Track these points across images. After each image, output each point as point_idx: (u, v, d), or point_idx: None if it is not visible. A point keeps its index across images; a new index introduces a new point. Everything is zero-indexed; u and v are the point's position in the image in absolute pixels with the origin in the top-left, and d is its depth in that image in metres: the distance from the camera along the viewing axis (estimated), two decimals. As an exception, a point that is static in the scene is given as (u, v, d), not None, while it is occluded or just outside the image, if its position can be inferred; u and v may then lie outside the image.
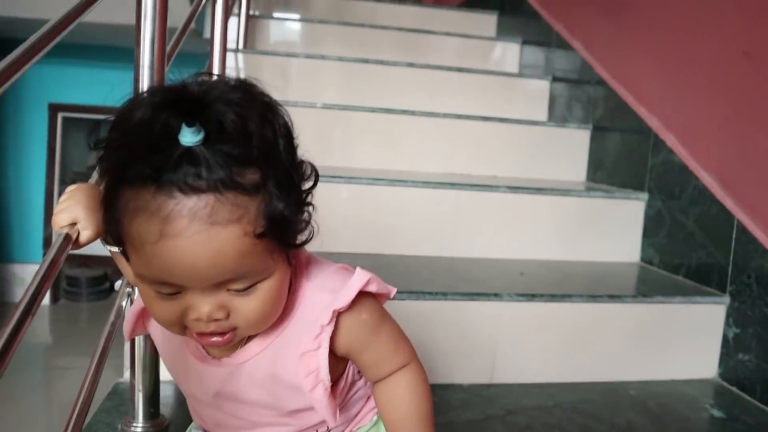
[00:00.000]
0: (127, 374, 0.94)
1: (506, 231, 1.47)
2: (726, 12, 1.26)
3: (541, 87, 2.06)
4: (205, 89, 0.49)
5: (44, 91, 3.73)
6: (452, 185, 1.44)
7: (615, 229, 1.50)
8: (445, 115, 1.75)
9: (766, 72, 1.15)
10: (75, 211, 0.61)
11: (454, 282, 1.22)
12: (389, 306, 0.64)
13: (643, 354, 1.19)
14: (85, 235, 0.61)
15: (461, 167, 1.74)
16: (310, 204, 0.55)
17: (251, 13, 2.10)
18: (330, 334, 0.57)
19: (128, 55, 0.82)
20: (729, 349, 1.18)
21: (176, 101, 0.47)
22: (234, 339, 0.55)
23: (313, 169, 0.56)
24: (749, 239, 1.15)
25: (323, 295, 0.58)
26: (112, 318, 0.85)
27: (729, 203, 1.21)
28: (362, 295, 0.58)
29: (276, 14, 2.41)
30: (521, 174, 1.77)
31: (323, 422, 0.63)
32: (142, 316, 0.66)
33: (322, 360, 0.57)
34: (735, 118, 1.23)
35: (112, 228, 0.52)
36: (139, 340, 0.85)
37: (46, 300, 3.58)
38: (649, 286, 1.28)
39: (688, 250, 1.32)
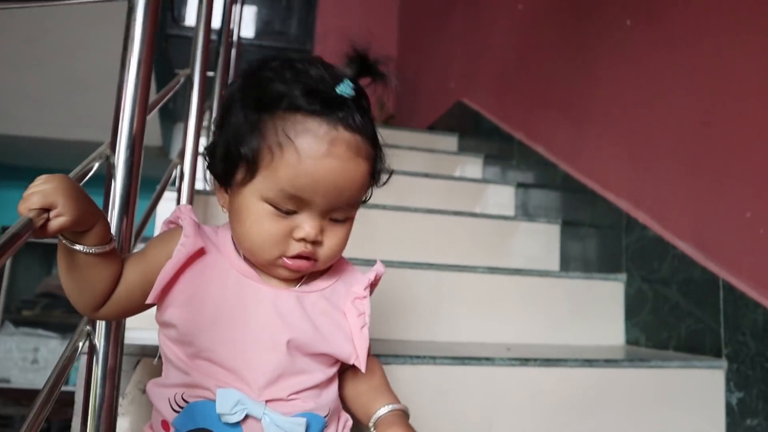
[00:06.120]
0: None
1: (485, 314, 1.40)
2: (680, 90, 1.34)
3: (507, 191, 2.11)
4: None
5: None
6: (429, 265, 1.40)
7: (596, 311, 1.46)
8: (415, 209, 1.75)
9: (724, 137, 1.21)
10: (53, 195, 0.54)
11: (439, 352, 1.13)
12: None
13: (643, 423, 1.10)
14: (59, 222, 0.54)
15: (433, 259, 1.71)
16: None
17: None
18: (370, 289, 0.74)
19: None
20: (735, 417, 1.11)
21: (353, 57, 0.70)
22: (313, 268, 0.69)
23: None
24: (737, 296, 1.12)
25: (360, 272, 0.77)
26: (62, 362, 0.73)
27: (711, 266, 1.20)
28: None
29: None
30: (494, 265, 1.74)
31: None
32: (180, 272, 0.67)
33: (367, 306, 0.72)
34: (703, 184, 1.26)
35: (255, 142, 0.64)
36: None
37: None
38: (642, 357, 1.22)
39: (675, 321, 1.28)
